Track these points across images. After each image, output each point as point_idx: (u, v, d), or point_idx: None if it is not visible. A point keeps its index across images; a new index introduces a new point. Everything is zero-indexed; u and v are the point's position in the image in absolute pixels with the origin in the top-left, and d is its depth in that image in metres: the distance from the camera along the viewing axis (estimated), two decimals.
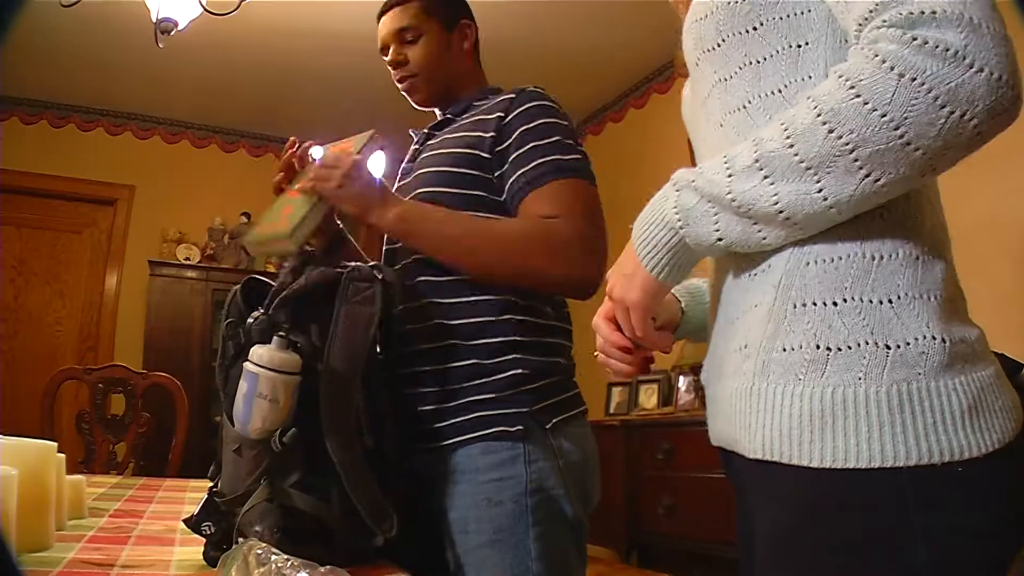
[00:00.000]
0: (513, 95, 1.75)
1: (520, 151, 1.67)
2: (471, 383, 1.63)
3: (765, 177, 0.92)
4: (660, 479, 4.60)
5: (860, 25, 0.89)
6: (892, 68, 0.82)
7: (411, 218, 1.62)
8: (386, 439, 1.49)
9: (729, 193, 0.95)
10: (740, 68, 1.06)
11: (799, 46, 1.01)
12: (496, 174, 1.69)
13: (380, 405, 1.50)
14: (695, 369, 4.71)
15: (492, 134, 1.70)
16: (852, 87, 0.85)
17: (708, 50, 1.09)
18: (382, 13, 1.93)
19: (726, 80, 1.08)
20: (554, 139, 1.68)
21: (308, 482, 1.36)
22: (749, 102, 1.05)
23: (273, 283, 1.49)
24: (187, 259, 6.44)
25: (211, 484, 1.47)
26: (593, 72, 6.06)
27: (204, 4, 3.43)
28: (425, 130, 1.93)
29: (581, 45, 5.53)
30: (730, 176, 0.95)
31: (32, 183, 6.22)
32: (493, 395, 1.62)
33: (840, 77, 0.87)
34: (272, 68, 5.89)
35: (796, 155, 0.89)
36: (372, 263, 1.52)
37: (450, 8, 1.94)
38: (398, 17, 1.88)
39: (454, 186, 1.70)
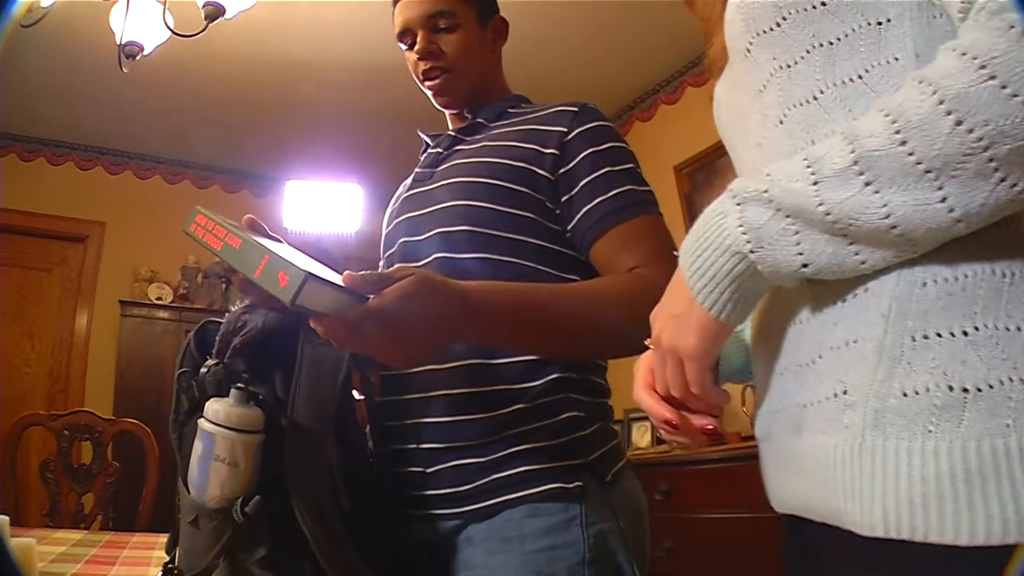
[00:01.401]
0: (575, 108, 1.52)
1: (593, 176, 1.43)
2: (515, 430, 1.35)
3: (867, 184, 0.72)
4: (659, 521, 4.32)
5: None
6: None
7: (499, 326, 1.23)
8: (365, 499, 1.30)
9: (820, 205, 0.74)
10: (808, 51, 0.86)
11: (879, 23, 0.81)
12: (563, 199, 1.45)
13: (357, 461, 1.31)
14: None
15: (553, 151, 1.46)
16: (983, 67, 0.65)
17: (763, 32, 0.90)
18: None
19: (789, 67, 0.88)
20: (628, 166, 1.47)
21: (276, 557, 1.17)
22: (821, 92, 0.85)
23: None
24: (159, 299, 6.20)
25: (167, 560, 1.29)
26: (575, 99, 5.85)
27: (171, 27, 3.26)
28: (451, 132, 1.67)
29: (563, 73, 5.39)
30: (816, 183, 0.75)
31: (0, 219, 5.96)
32: (544, 444, 1.35)
33: (964, 55, 0.67)
34: (245, 102, 5.74)
35: (911, 154, 0.69)
36: None
37: (486, 0, 1.72)
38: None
39: (501, 203, 1.45)
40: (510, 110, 1.64)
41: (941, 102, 0.67)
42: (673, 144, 5.35)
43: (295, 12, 4.69)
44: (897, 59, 0.80)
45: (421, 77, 1.66)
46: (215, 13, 3.22)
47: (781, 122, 0.89)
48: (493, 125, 1.61)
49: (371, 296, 1.04)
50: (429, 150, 1.69)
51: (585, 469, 1.35)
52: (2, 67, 4.81)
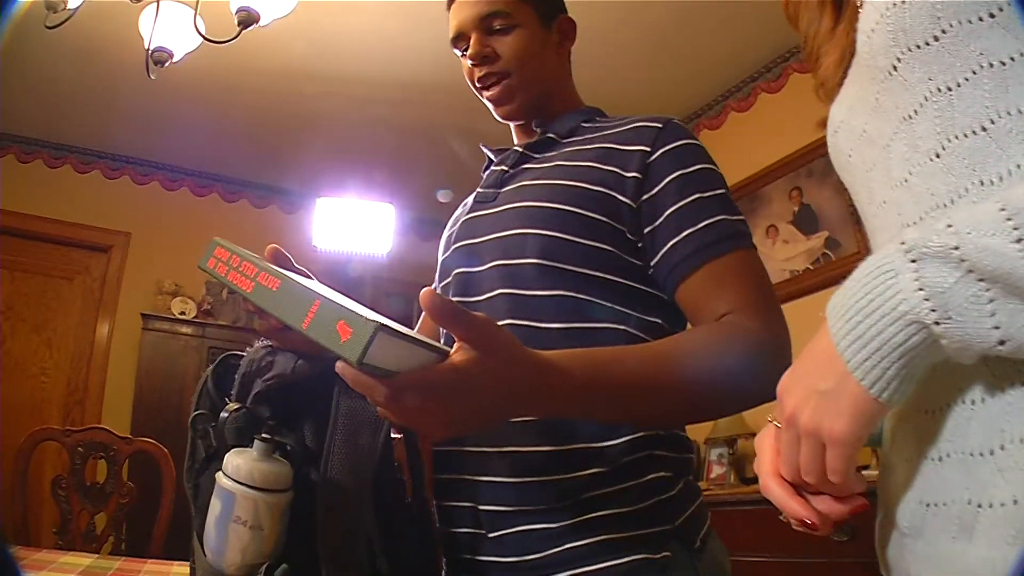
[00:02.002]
0: (659, 125, 1.33)
1: (680, 204, 1.24)
2: (593, 494, 1.16)
3: None
4: None
5: None
6: None
7: (580, 398, 1.01)
8: (406, 563, 1.14)
9: None
10: (974, 72, 0.71)
11: None
12: (646, 229, 1.26)
13: (397, 518, 1.15)
14: (729, 441, 4.38)
15: (635, 174, 1.28)
16: None
17: (916, 47, 0.74)
18: None
19: (950, 90, 0.72)
20: (719, 192, 1.28)
21: None
22: (991, 121, 0.69)
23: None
24: (182, 313, 6.03)
25: None
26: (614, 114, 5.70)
27: (202, 32, 3.14)
28: (517, 148, 1.49)
29: (604, 90, 5.23)
30: (1021, 240, 0.59)
31: (24, 224, 5.90)
32: (626, 509, 1.16)
33: None
34: (276, 115, 5.63)
35: None
36: None
37: None
38: None
39: (575, 233, 1.26)
40: (584, 124, 1.47)
41: None
42: None
43: (329, 24, 4.59)
44: None
45: (477, 85, 1.50)
46: (249, 19, 3.09)
47: (938, 155, 0.74)
48: (566, 141, 1.44)
49: (449, 350, 0.87)
50: (492, 167, 1.51)
51: (672, 536, 1.17)
52: (7, 68, 4.75)
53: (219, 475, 0.99)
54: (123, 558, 2.85)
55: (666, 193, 1.26)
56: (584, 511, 1.15)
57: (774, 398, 1.08)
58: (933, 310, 0.63)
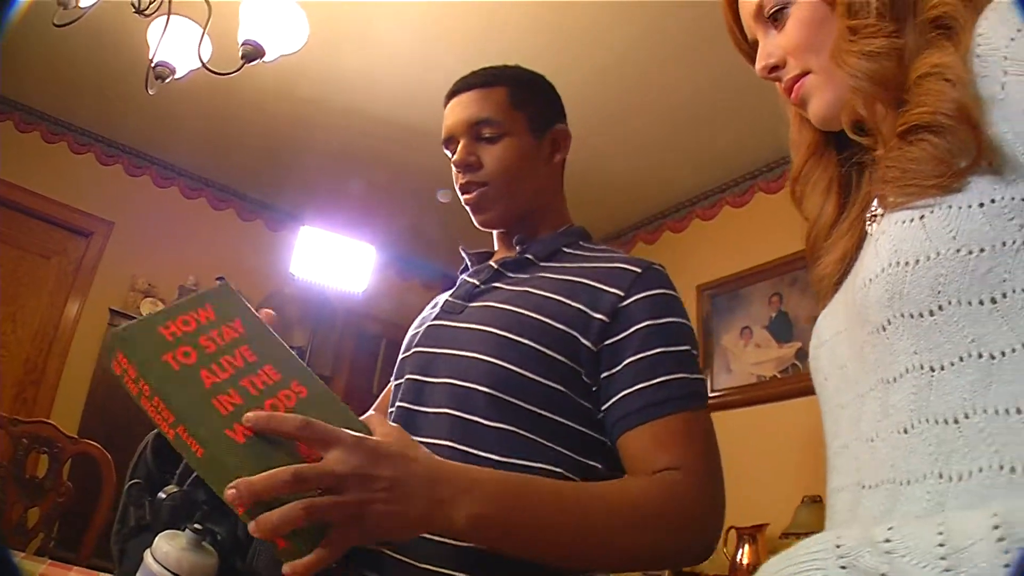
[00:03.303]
0: (638, 270, 1.33)
1: (641, 356, 1.23)
2: None
3: None
4: None
5: None
6: None
7: (492, 519, 1.00)
8: None
9: None
10: (961, 359, 0.70)
11: None
12: (604, 374, 1.26)
13: None
14: None
15: (603, 317, 1.27)
16: None
17: (910, 315, 0.74)
18: (453, 94, 1.51)
19: (932, 371, 0.72)
20: (684, 348, 1.27)
21: None
22: (966, 415, 0.68)
23: None
24: None
25: None
26: (611, 200, 5.76)
27: (204, 61, 3.16)
28: (493, 264, 1.48)
29: (601, 169, 5.27)
30: (950, 571, 0.58)
31: (10, 194, 5.83)
32: None
33: None
34: (278, 134, 5.64)
35: None
36: None
37: (543, 105, 1.54)
38: (476, 104, 1.46)
39: (532, 369, 1.25)
40: (565, 249, 1.46)
41: None
42: (700, 262, 5.22)
43: (342, 58, 4.66)
44: None
45: (460, 191, 1.49)
46: (254, 54, 3.11)
47: (906, 431, 0.73)
48: (543, 266, 1.43)
49: None
50: (466, 277, 1.50)
51: None
52: (22, 33, 4.78)
53: (147, 556, 0.99)
54: (49, 562, 2.81)
55: (630, 341, 1.26)
56: None
57: (705, 552, 1.09)
58: None
